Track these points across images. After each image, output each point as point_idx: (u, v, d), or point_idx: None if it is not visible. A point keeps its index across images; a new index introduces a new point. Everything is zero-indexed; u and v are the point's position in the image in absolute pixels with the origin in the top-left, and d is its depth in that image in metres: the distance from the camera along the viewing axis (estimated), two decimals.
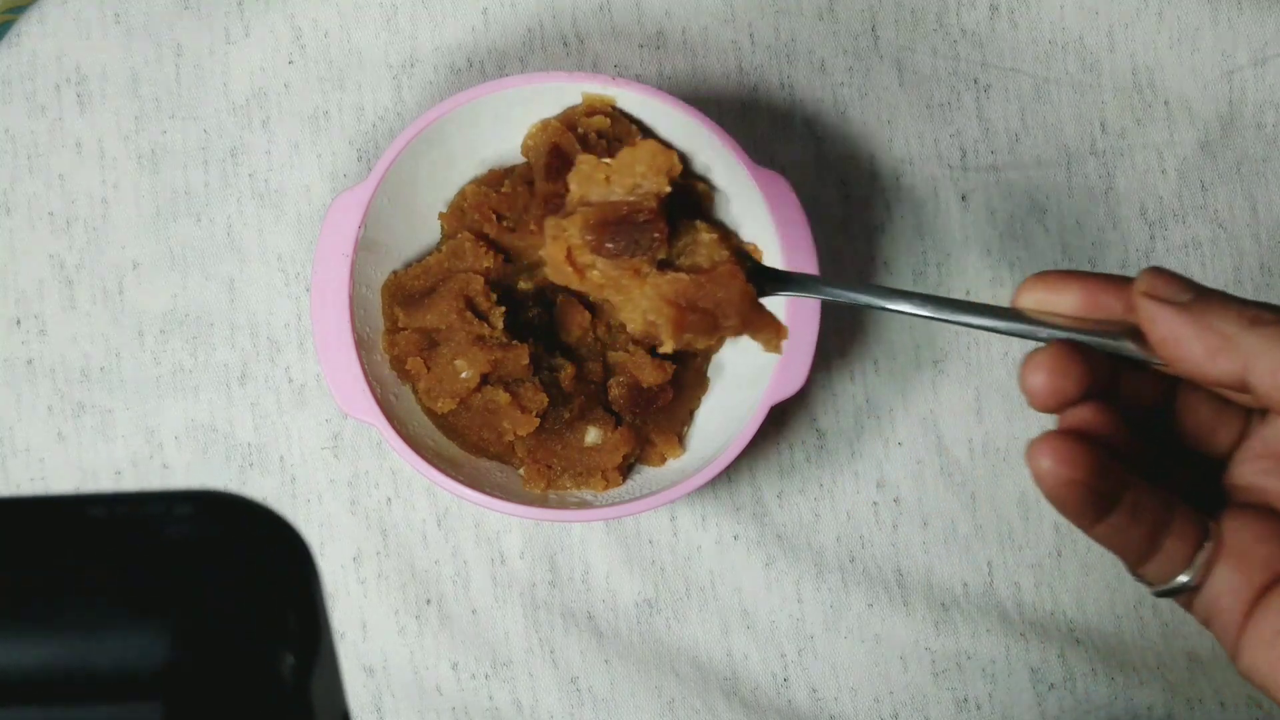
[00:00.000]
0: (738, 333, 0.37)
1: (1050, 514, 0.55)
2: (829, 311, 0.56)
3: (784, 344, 0.38)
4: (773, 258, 0.50)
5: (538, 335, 0.51)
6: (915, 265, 0.56)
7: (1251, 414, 0.33)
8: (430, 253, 0.52)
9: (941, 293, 0.56)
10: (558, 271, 0.38)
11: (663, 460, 0.51)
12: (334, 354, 0.49)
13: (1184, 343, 0.30)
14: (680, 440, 0.52)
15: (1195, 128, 0.57)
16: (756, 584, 0.55)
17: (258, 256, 0.55)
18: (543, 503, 0.49)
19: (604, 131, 0.50)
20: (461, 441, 0.51)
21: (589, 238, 0.37)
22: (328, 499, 0.54)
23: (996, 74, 0.56)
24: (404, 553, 0.54)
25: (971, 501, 0.55)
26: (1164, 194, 0.57)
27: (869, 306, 0.36)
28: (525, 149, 0.52)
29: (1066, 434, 0.31)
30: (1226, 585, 0.31)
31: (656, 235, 0.37)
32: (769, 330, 0.38)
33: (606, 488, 0.50)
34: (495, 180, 0.52)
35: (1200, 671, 0.54)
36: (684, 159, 0.52)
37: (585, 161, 0.38)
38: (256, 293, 0.55)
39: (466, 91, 0.50)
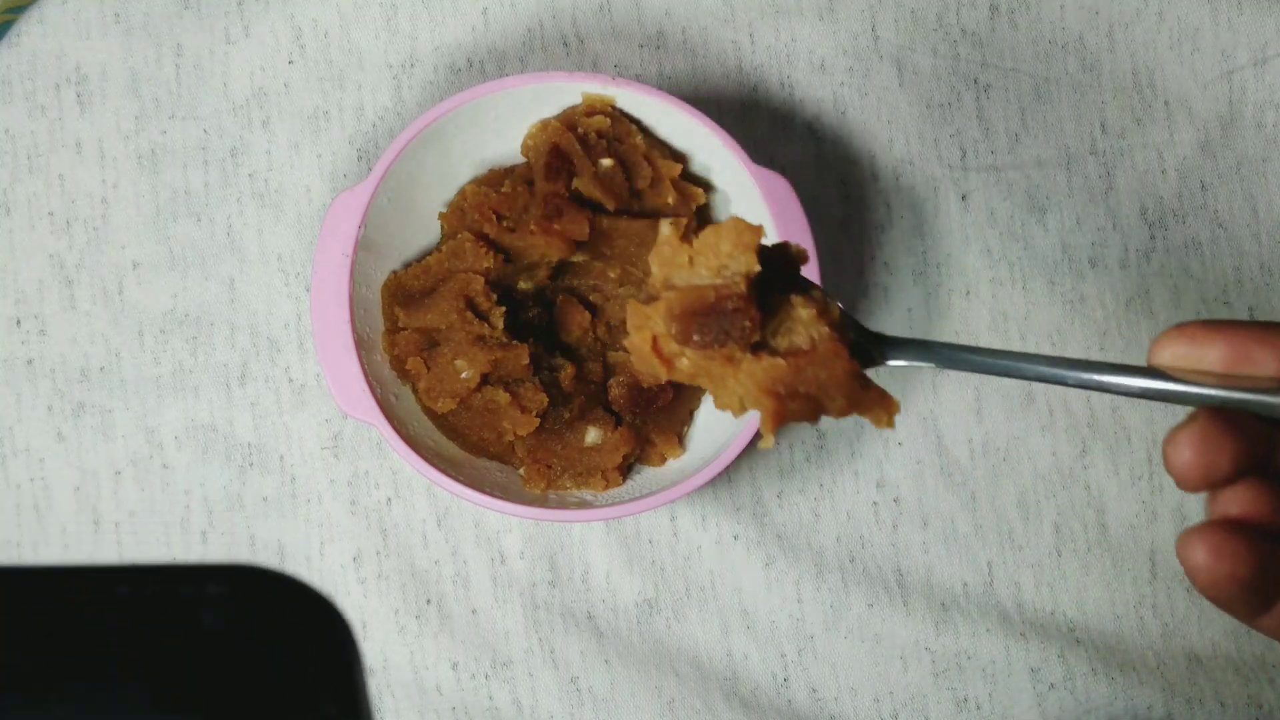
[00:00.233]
0: (844, 414, 0.34)
1: (1050, 514, 0.55)
2: None
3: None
4: None
5: (538, 335, 0.51)
6: (915, 265, 0.56)
7: None
8: (430, 253, 0.52)
9: (942, 293, 0.56)
10: (644, 362, 0.35)
11: (663, 460, 0.51)
12: (334, 354, 0.49)
13: None
14: (680, 440, 0.52)
15: (1195, 128, 0.57)
16: (756, 584, 0.55)
17: (258, 256, 0.55)
18: (543, 503, 0.49)
19: (604, 131, 0.50)
20: (461, 441, 0.51)
21: (674, 329, 0.34)
22: (328, 499, 0.54)
23: (996, 74, 0.56)
24: (404, 553, 0.54)
25: (971, 501, 0.55)
26: (1164, 194, 0.57)
27: (992, 372, 0.33)
28: (525, 149, 0.52)
29: (1222, 525, 0.28)
30: None
31: (748, 324, 0.33)
32: (879, 408, 0.34)
33: (606, 488, 0.50)
34: (495, 180, 0.52)
35: (1200, 671, 0.54)
36: (684, 159, 0.52)
37: (667, 243, 0.35)
38: (256, 293, 0.55)
39: (466, 91, 0.50)
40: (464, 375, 0.49)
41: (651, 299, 0.35)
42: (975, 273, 0.56)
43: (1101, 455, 0.55)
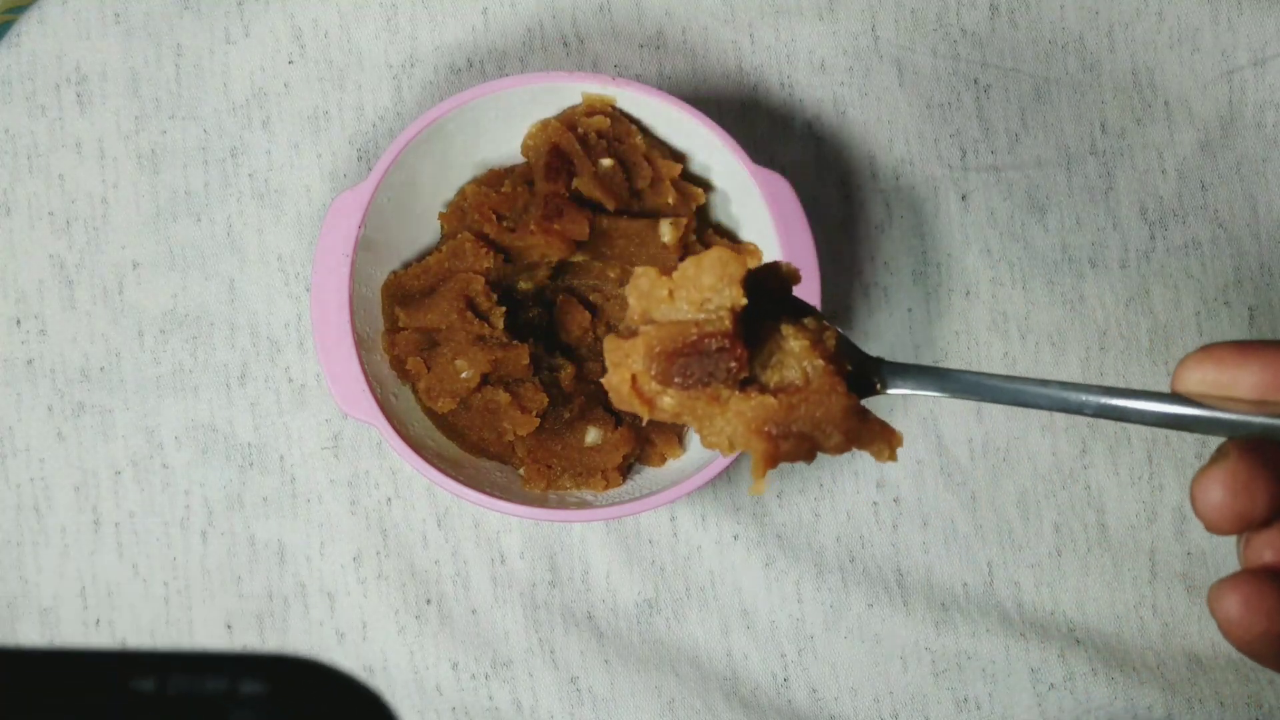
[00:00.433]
0: (842, 450, 0.31)
1: (1050, 514, 0.55)
2: (826, 309, 0.56)
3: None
4: (772, 258, 0.50)
5: (538, 335, 0.51)
6: (915, 265, 0.56)
7: None
8: (430, 253, 0.52)
9: (942, 293, 0.56)
10: (623, 402, 0.32)
11: (663, 460, 0.51)
12: (334, 354, 0.49)
13: None
14: (680, 440, 0.52)
15: (1195, 128, 0.57)
16: (756, 584, 0.55)
17: (258, 256, 0.55)
18: (543, 503, 0.49)
19: (604, 131, 0.50)
20: (461, 441, 0.51)
21: (654, 369, 0.31)
22: (328, 499, 0.54)
23: (996, 74, 0.56)
24: (404, 553, 0.54)
25: (971, 501, 0.55)
26: (1164, 194, 0.57)
27: (1002, 401, 0.31)
28: (525, 149, 0.52)
29: (1256, 574, 0.26)
30: None
31: (734, 364, 0.31)
32: (880, 441, 0.32)
33: (606, 488, 0.50)
34: (495, 180, 0.52)
35: (1200, 671, 0.54)
36: (684, 159, 0.52)
37: (644, 275, 0.32)
38: (256, 293, 0.55)
39: (466, 91, 0.50)
40: (464, 375, 0.49)
41: (631, 332, 0.32)
42: (975, 273, 0.56)
43: (1101, 455, 0.55)
